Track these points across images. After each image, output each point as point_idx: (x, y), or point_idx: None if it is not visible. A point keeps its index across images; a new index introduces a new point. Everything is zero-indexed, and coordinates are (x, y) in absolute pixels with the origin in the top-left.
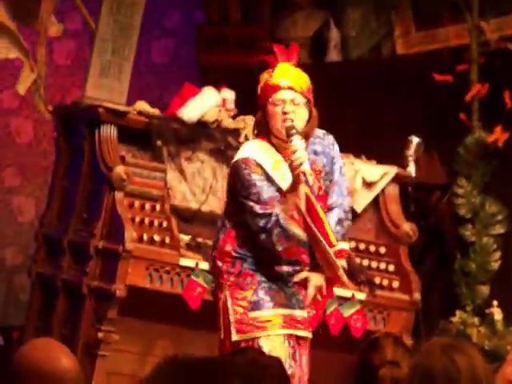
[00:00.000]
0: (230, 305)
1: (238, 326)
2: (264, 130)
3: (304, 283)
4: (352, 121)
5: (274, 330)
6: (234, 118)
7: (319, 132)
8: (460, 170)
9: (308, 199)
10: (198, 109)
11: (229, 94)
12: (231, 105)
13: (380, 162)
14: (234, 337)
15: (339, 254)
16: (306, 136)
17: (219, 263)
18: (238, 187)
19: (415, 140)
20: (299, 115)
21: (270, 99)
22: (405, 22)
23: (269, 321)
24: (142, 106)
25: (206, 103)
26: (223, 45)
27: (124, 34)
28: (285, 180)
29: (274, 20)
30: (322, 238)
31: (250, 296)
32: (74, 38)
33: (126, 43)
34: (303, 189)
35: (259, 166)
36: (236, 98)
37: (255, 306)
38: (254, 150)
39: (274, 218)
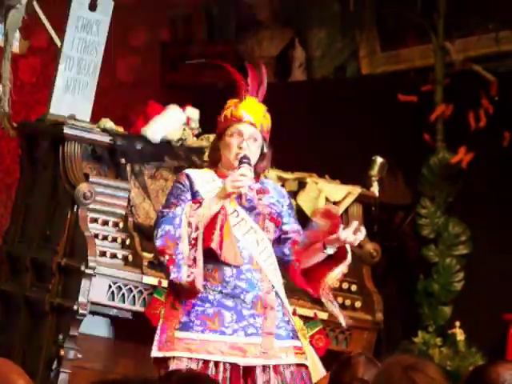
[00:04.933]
0: (160, 324)
1: (160, 344)
2: (214, 160)
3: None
4: (316, 140)
5: (197, 352)
6: (197, 136)
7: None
8: (424, 190)
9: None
10: (163, 127)
11: (193, 113)
12: (195, 123)
13: (344, 181)
14: (155, 353)
15: None
16: (257, 175)
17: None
18: None
19: (379, 160)
20: (253, 152)
21: (229, 129)
22: (370, 42)
23: (195, 343)
24: (107, 123)
25: (171, 122)
26: (188, 63)
27: (89, 52)
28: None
29: (238, 39)
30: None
31: (181, 316)
32: (39, 55)
33: (91, 61)
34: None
35: (188, 177)
36: (200, 117)
37: (184, 327)
38: (194, 170)
39: (171, 214)
